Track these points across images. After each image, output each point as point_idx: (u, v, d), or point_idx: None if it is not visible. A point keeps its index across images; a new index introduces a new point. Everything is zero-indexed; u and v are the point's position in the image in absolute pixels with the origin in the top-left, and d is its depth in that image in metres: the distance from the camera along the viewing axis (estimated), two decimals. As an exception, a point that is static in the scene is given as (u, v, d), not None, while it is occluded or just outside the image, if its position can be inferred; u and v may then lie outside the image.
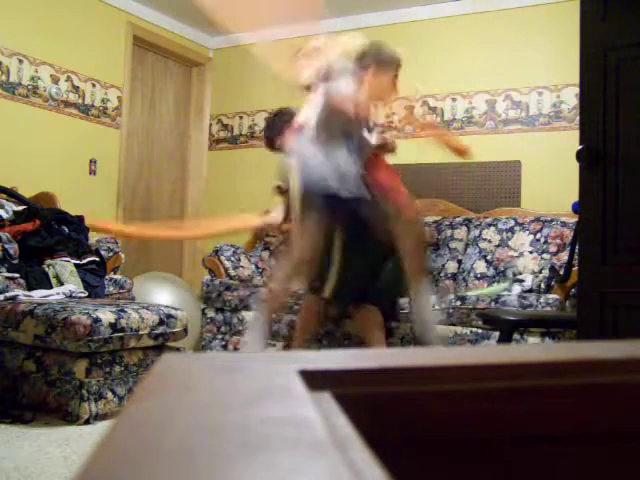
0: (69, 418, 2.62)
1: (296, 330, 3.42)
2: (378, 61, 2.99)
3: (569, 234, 3.62)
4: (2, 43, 3.97)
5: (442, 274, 4.00)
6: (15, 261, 3.39)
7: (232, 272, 4.24)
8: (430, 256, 3.84)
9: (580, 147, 1.98)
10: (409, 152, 4.00)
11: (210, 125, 5.46)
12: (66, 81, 4.34)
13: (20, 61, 4.06)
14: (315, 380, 0.39)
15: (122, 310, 2.83)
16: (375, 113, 3.12)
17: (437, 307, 3.39)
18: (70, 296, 3.28)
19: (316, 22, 3.44)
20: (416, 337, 3.18)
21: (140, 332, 2.84)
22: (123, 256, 3.94)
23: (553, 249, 3.73)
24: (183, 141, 5.45)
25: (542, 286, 3.55)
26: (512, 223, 3.95)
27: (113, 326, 2.71)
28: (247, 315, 3.96)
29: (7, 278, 3.22)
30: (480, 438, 0.44)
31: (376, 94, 3.02)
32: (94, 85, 4.53)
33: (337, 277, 3.12)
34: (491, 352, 0.53)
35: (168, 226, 4.81)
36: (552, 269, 3.50)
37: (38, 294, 3.16)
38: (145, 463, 0.25)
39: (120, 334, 2.74)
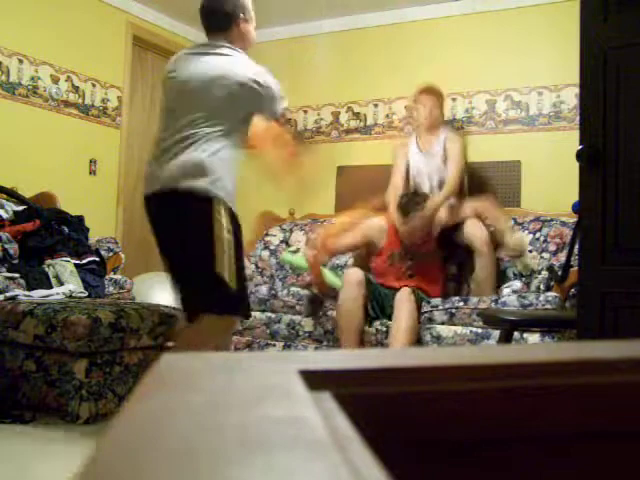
0: (69, 418, 2.62)
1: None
2: None
3: (569, 233, 3.61)
4: (2, 43, 3.96)
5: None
6: (15, 261, 3.39)
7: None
8: None
9: (580, 147, 1.98)
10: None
11: (210, 125, 5.45)
12: (66, 81, 4.34)
13: (20, 61, 4.06)
14: (315, 380, 0.39)
15: (122, 310, 2.82)
16: None
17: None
18: (70, 296, 3.28)
19: None
20: None
21: (140, 332, 2.84)
22: (123, 256, 3.94)
23: (552, 248, 3.72)
24: (183, 141, 5.44)
25: (541, 287, 3.55)
26: (511, 223, 3.95)
27: (113, 326, 2.71)
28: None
29: (7, 278, 3.22)
30: (480, 438, 0.44)
31: None
32: (94, 85, 4.53)
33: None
34: (490, 352, 0.53)
35: None
36: (550, 269, 3.49)
37: (38, 294, 3.16)
38: (145, 463, 0.25)
39: (120, 334, 2.74)
